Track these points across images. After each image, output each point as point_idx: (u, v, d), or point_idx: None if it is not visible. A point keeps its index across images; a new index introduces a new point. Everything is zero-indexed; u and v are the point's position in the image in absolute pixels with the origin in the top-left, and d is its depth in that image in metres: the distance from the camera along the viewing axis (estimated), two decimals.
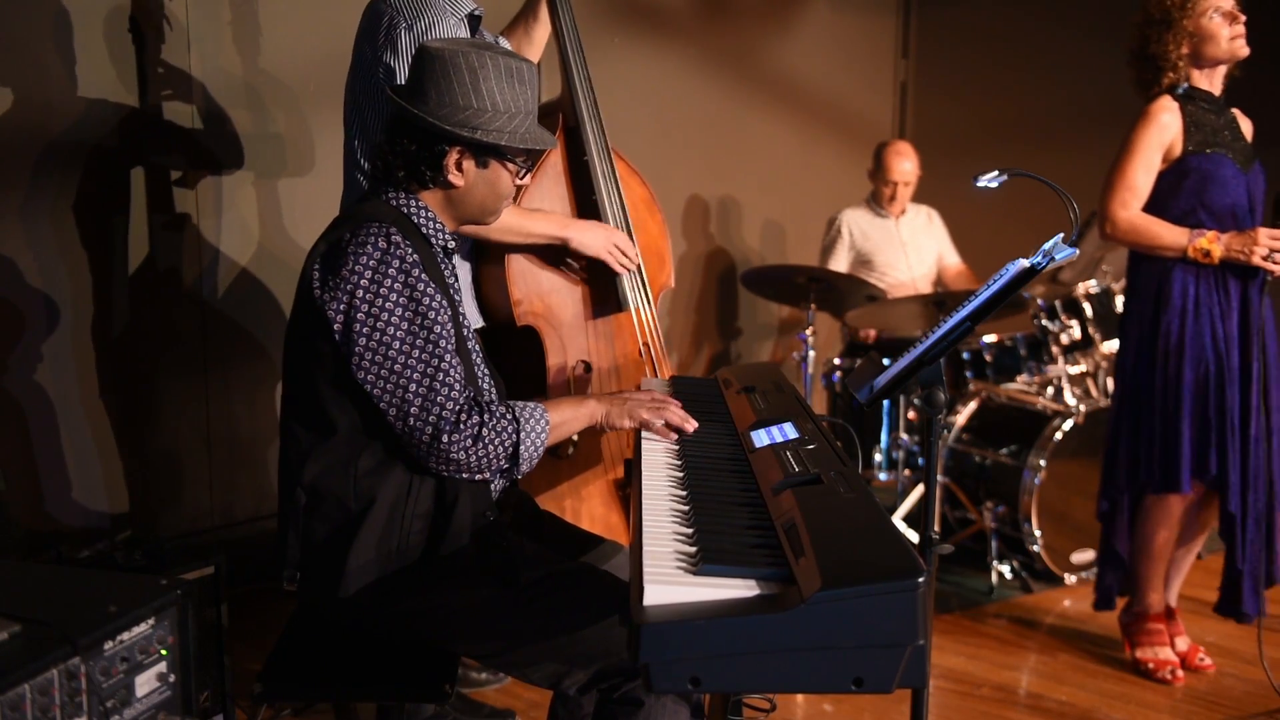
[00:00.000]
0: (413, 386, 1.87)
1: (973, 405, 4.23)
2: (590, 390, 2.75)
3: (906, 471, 4.19)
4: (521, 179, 2.07)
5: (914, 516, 4.20)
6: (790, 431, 1.97)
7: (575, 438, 2.63)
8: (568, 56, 2.77)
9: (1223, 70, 3.08)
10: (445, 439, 1.87)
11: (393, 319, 1.87)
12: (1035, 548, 3.89)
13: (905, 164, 4.64)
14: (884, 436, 4.25)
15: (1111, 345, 4.05)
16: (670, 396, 2.19)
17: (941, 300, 4.09)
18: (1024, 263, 1.86)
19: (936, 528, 2.19)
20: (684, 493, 1.79)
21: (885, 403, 4.22)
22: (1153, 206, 3.06)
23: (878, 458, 4.24)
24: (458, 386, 1.89)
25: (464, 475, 1.92)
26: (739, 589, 1.38)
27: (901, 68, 6.39)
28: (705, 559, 1.44)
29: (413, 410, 1.87)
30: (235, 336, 3.58)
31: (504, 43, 2.79)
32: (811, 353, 4.09)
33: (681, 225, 5.27)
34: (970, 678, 3.21)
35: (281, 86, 3.63)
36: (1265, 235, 2.94)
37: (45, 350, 3.16)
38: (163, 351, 3.44)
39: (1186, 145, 3.02)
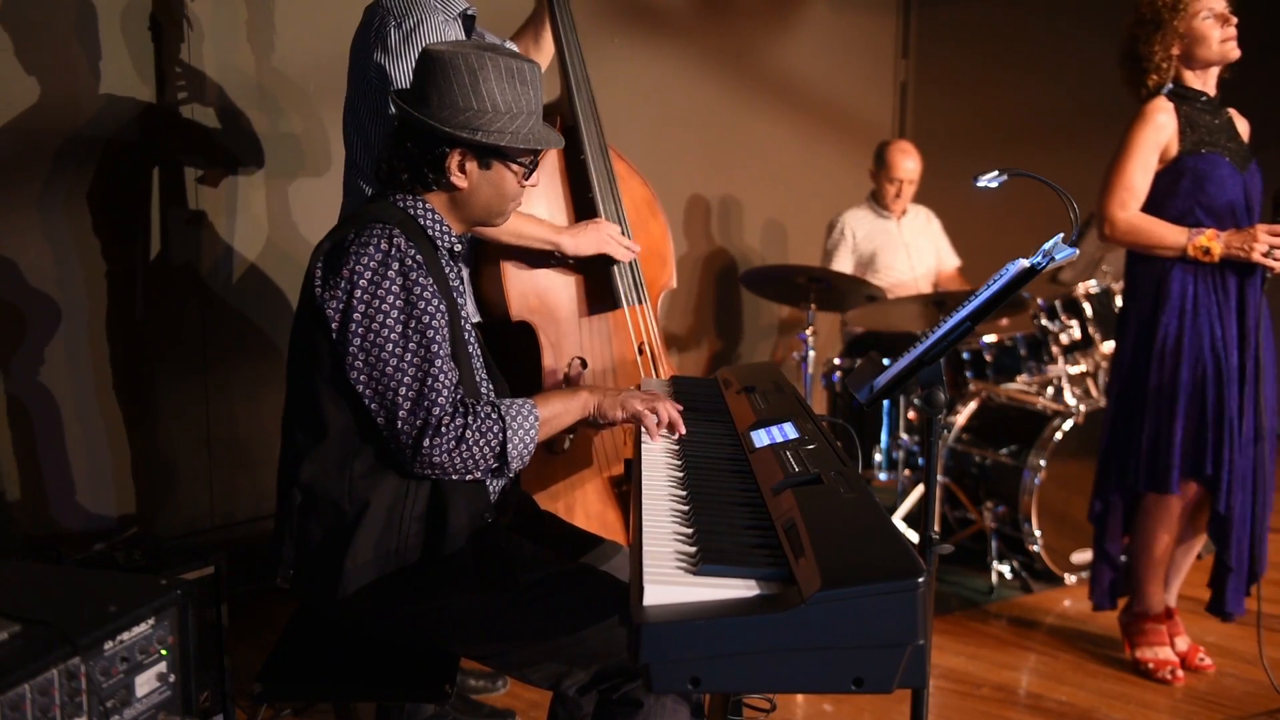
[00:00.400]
0: (402, 390, 1.87)
1: (973, 405, 4.23)
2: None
3: (906, 471, 4.19)
4: (528, 180, 2.07)
5: (914, 516, 4.20)
6: (790, 431, 1.97)
7: (571, 434, 2.62)
8: (565, 55, 2.77)
9: (1215, 71, 3.08)
10: (427, 442, 1.86)
11: (388, 320, 1.88)
12: (1035, 548, 3.89)
13: (909, 162, 4.64)
14: (884, 436, 4.25)
15: (1112, 345, 4.05)
16: (670, 396, 2.19)
17: (941, 300, 4.10)
18: (1024, 263, 1.85)
19: (936, 528, 2.19)
20: (684, 493, 1.79)
21: (885, 403, 4.22)
22: (1150, 207, 3.07)
23: (878, 458, 4.24)
24: (446, 392, 1.89)
25: (453, 477, 1.92)
26: (739, 589, 1.38)
27: (901, 68, 6.39)
28: (705, 559, 1.44)
29: (400, 414, 1.87)
30: (236, 336, 3.58)
31: (511, 47, 2.79)
32: (811, 353, 4.09)
33: (681, 225, 5.27)
34: (970, 678, 3.21)
35: (295, 87, 3.63)
36: (1265, 232, 2.94)
37: (46, 349, 3.16)
38: (164, 351, 3.44)
39: (1182, 145, 3.03)
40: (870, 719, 2.95)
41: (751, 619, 1.32)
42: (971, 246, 5.01)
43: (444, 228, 2.03)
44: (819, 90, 5.83)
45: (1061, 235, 1.85)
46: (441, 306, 1.92)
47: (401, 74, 2.46)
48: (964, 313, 1.90)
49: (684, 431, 2.09)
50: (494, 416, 1.92)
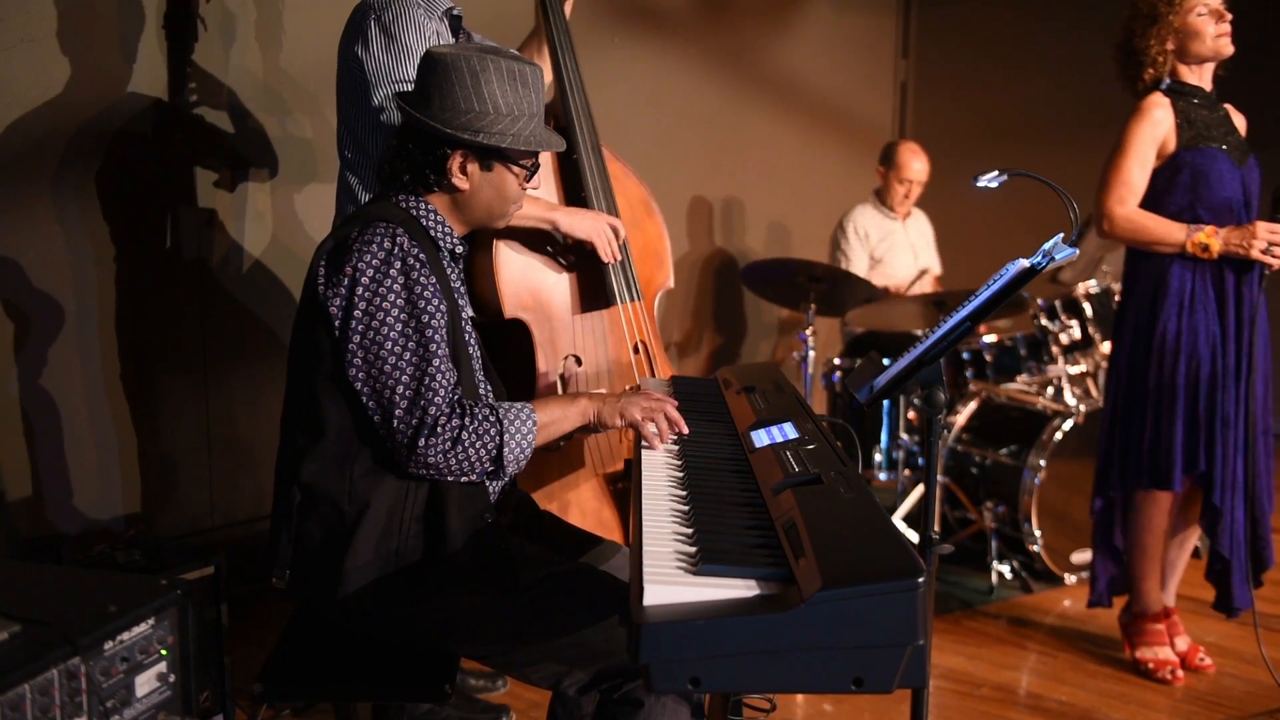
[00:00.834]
0: (400, 389, 1.87)
1: (973, 405, 4.23)
2: (581, 385, 2.74)
3: (906, 471, 4.19)
4: (529, 182, 2.07)
5: (914, 516, 4.20)
6: (790, 431, 1.97)
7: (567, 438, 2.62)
8: (558, 55, 2.78)
9: (1210, 66, 3.09)
10: (423, 442, 1.87)
11: (388, 319, 1.88)
12: (1035, 548, 3.89)
13: (918, 163, 4.65)
14: (884, 436, 4.25)
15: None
16: (669, 396, 2.18)
17: (941, 300, 4.10)
18: (1024, 263, 1.85)
19: (936, 528, 2.19)
20: (684, 493, 1.79)
21: (885, 403, 4.22)
22: (1149, 204, 3.07)
23: (878, 458, 4.24)
24: (443, 392, 1.89)
25: (449, 478, 1.92)
26: (739, 589, 1.38)
27: (901, 68, 6.39)
28: (705, 559, 1.44)
29: (397, 412, 1.87)
30: (238, 337, 3.58)
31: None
32: (811, 353, 4.09)
33: (682, 226, 5.27)
34: (970, 678, 3.21)
35: (304, 89, 3.64)
36: (1264, 229, 2.95)
37: (47, 348, 3.16)
38: (165, 351, 3.44)
39: (1180, 141, 3.03)
40: (870, 719, 2.95)
41: (751, 619, 1.32)
42: (971, 246, 5.01)
43: (446, 229, 2.04)
44: (819, 90, 5.83)
45: (1061, 235, 1.85)
46: (442, 307, 1.92)
47: (379, 65, 2.48)
48: (964, 313, 1.90)
49: (686, 431, 2.09)
50: (491, 419, 1.92)
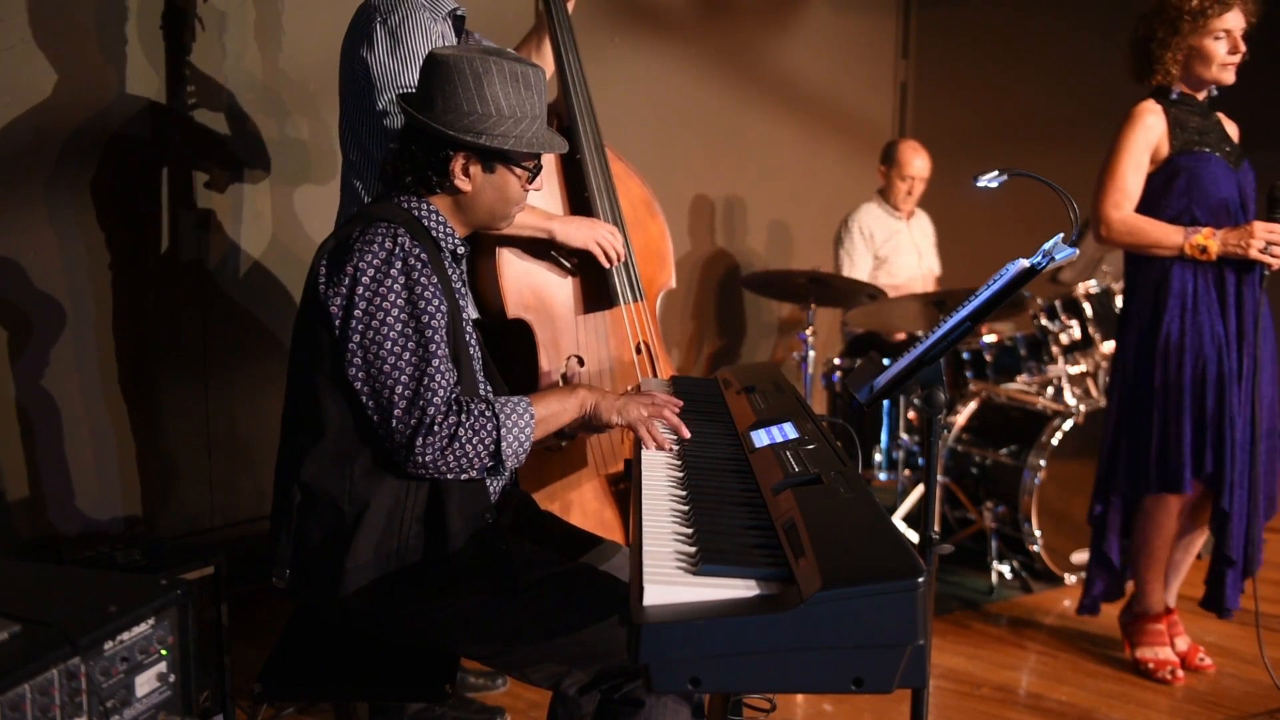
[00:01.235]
0: (399, 388, 1.87)
1: (973, 405, 4.23)
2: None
3: (906, 471, 4.19)
4: (531, 184, 2.07)
5: (914, 516, 4.20)
6: (790, 431, 1.97)
7: (568, 437, 2.62)
8: (562, 55, 2.78)
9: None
10: (420, 442, 1.87)
11: (388, 319, 1.88)
12: (1035, 548, 3.89)
13: (919, 160, 4.64)
14: (884, 436, 4.25)
15: (1112, 345, 4.05)
16: (670, 397, 2.18)
17: (941, 300, 4.10)
18: (1024, 263, 1.86)
19: (936, 528, 2.19)
20: (684, 493, 1.79)
21: (885, 403, 4.22)
22: (1146, 208, 3.07)
23: (878, 458, 4.24)
24: (442, 392, 1.89)
25: (449, 476, 1.92)
26: (739, 589, 1.38)
27: (901, 68, 6.39)
28: (705, 559, 1.44)
29: (395, 412, 1.87)
30: (238, 337, 3.58)
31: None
32: (811, 353, 4.09)
33: (683, 226, 5.27)
34: (970, 678, 3.21)
35: (303, 90, 3.64)
36: (1261, 228, 2.95)
37: (48, 349, 3.16)
38: (165, 351, 3.44)
39: (1173, 145, 3.04)
40: (870, 719, 2.95)
41: (751, 619, 1.32)
42: (971, 246, 5.01)
43: (448, 229, 2.04)
44: (819, 90, 5.83)
45: (1061, 235, 1.85)
46: (443, 307, 1.92)
47: (384, 69, 2.48)
48: (964, 313, 1.90)
49: (688, 435, 2.08)
50: (488, 414, 1.92)
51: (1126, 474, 3.14)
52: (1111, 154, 3.08)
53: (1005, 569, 3.98)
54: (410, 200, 2.02)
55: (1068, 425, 3.90)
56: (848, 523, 1.53)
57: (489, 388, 2.14)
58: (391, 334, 1.88)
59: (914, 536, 4.00)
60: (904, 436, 4.16)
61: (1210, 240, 2.97)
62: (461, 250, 2.07)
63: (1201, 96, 3.10)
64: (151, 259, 3.36)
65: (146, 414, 3.40)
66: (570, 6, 2.84)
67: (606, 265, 2.72)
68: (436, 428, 1.87)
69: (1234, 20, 2.99)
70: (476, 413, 1.91)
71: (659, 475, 1.89)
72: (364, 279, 1.88)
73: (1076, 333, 4.14)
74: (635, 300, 2.83)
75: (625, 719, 1.82)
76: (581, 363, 2.74)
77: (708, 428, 2.15)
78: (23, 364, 3.11)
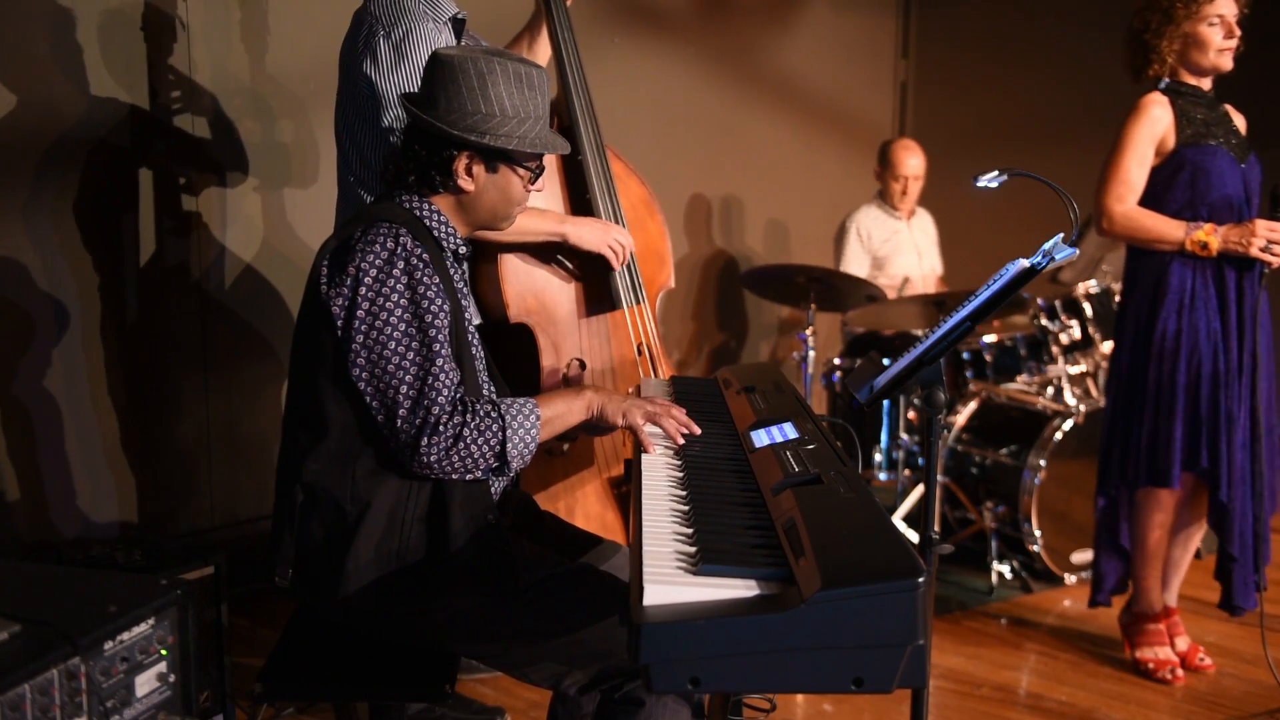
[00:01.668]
0: (403, 388, 1.87)
1: (973, 405, 4.23)
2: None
3: (906, 471, 4.19)
4: (533, 184, 2.07)
5: (914, 516, 4.20)
6: (790, 431, 1.97)
7: (571, 439, 2.62)
8: (562, 55, 2.77)
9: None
10: (425, 442, 1.87)
11: (391, 318, 1.88)
12: (1035, 548, 3.89)
13: (912, 159, 4.64)
14: (884, 436, 4.25)
15: (1111, 344, 4.05)
16: (670, 397, 2.18)
17: (941, 300, 4.09)
18: (1024, 263, 1.86)
19: (936, 528, 2.19)
20: (684, 493, 1.79)
21: (885, 403, 4.22)
22: (1149, 202, 3.07)
23: (878, 458, 4.24)
24: (446, 391, 1.89)
25: (453, 476, 1.92)
26: (739, 589, 1.38)
27: (901, 68, 6.39)
28: (705, 559, 1.44)
29: (400, 412, 1.87)
30: (235, 338, 3.58)
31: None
32: (811, 353, 4.09)
33: (682, 226, 5.27)
34: (970, 678, 3.21)
35: (287, 90, 3.63)
36: (1263, 227, 2.95)
37: (48, 351, 3.16)
38: (163, 354, 3.44)
39: (1179, 138, 3.03)
40: (870, 719, 2.95)
41: (751, 619, 1.32)
42: (971, 246, 5.00)
43: (450, 229, 2.04)
44: (819, 90, 5.82)
45: (1061, 235, 1.85)
46: (445, 306, 1.92)
47: (391, 85, 2.45)
48: (964, 313, 1.90)
49: (698, 431, 2.07)
50: (493, 415, 1.92)
51: (1119, 467, 3.15)
52: (1116, 146, 3.08)
53: (1005, 569, 3.98)
54: (412, 200, 2.02)
55: (1068, 425, 3.90)
56: (848, 523, 1.53)
57: (492, 388, 2.14)
58: (395, 334, 1.88)
59: (914, 536, 4.00)
60: (904, 436, 4.16)
61: (1211, 237, 2.97)
62: (464, 250, 2.08)
63: (1207, 86, 3.10)
64: (144, 262, 3.36)
65: (146, 415, 3.40)
66: (569, 2, 2.83)
67: (617, 268, 2.72)
68: (442, 428, 1.87)
69: (1226, 6, 2.99)
70: (482, 413, 1.91)
71: (659, 475, 1.89)
72: (366, 279, 1.88)
73: (1076, 333, 4.14)
74: (637, 303, 2.83)
75: (625, 719, 1.82)
76: (583, 365, 2.74)
77: (708, 428, 2.15)
78: (24, 363, 3.11)
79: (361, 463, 1.92)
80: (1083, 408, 3.96)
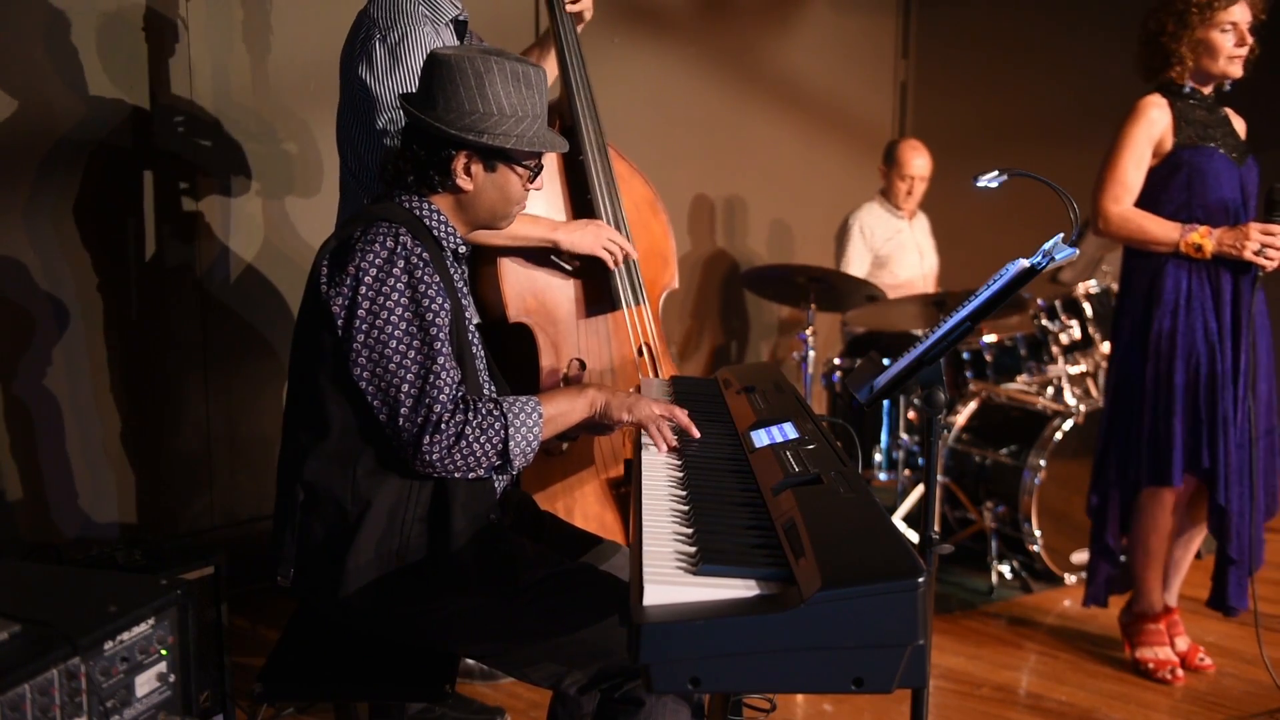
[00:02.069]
0: (405, 387, 1.87)
1: (973, 405, 4.23)
2: None
3: (906, 471, 4.19)
4: (532, 183, 2.07)
5: (914, 516, 4.20)
6: (790, 431, 1.97)
7: (570, 439, 2.62)
8: (565, 56, 2.77)
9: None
10: (427, 440, 1.87)
11: (392, 317, 1.88)
12: (1035, 548, 3.89)
13: (920, 159, 4.64)
14: (884, 436, 4.25)
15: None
16: (670, 397, 2.18)
17: (942, 300, 4.10)
18: (1024, 263, 1.86)
19: (936, 528, 2.19)
20: (684, 493, 1.79)
21: (885, 403, 4.22)
22: (1146, 202, 3.07)
23: (878, 458, 4.24)
24: (448, 390, 1.89)
25: (455, 475, 1.92)
26: (739, 589, 1.38)
27: (901, 68, 6.39)
28: (705, 559, 1.44)
29: (403, 410, 1.87)
30: (235, 338, 3.58)
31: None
32: (811, 353, 4.09)
33: (682, 225, 5.27)
34: (970, 678, 3.21)
35: (289, 92, 3.63)
36: (1257, 230, 2.95)
37: (49, 351, 3.16)
38: (163, 353, 3.44)
39: (1177, 139, 3.04)
40: (870, 719, 2.95)
41: (751, 619, 1.32)
42: (971, 246, 5.00)
43: (449, 229, 2.04)
44: (819, 90, 5.83)
45: (1061, 235, 1.85)
46: (446, 305, 1.92)
47: (385, 89, 2.44)
48: (964, 313, 1.90)
49: (698, 434, 2.07)
50: (495, 414, 1.92)
51: (1119, 468, 3.15)
52: (1113, 147, 3.08)
53: (1005, 569, 3.98)
54: (411, 200, 2.02)
55: (1068, 425, 3.91)
56: (848, 523, 1.53)
57: (493, 387, 2.14)
58: (396, 333, 1.88)
59: (914, 536, 4.00)
60: (904, 436, 4.16)
61: (1205, 239, 2.97)
62: (464, 249, 2.08)
63: (1208, 91, 3.10)
64: (145, 261, 3.36)
65: (146, 415, 3.40)
66: (582, 15, 2.81)
67: (614, 269, 2.72)
68: (444, 426, 1.87)
69: (1240, 13, 2.99)
70: (484, 412, 1.91)
71: (659, 475, 1.89)
72: (366, 279, 1.88)
73: (1076, 333, 4.14)
74: (637, 304, 2.82)
75: (625, 718, 1.82)
76: (583, 365, 2.74)
77: (708, 428, 2.15)
78: (24, 364, 3.12)
79: (362, 462, 1.92)
80: (1083, 408, 3.96)
